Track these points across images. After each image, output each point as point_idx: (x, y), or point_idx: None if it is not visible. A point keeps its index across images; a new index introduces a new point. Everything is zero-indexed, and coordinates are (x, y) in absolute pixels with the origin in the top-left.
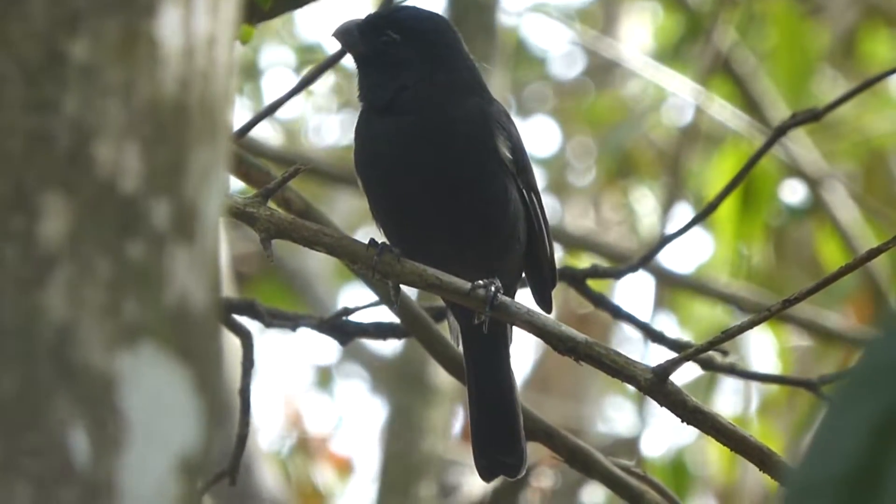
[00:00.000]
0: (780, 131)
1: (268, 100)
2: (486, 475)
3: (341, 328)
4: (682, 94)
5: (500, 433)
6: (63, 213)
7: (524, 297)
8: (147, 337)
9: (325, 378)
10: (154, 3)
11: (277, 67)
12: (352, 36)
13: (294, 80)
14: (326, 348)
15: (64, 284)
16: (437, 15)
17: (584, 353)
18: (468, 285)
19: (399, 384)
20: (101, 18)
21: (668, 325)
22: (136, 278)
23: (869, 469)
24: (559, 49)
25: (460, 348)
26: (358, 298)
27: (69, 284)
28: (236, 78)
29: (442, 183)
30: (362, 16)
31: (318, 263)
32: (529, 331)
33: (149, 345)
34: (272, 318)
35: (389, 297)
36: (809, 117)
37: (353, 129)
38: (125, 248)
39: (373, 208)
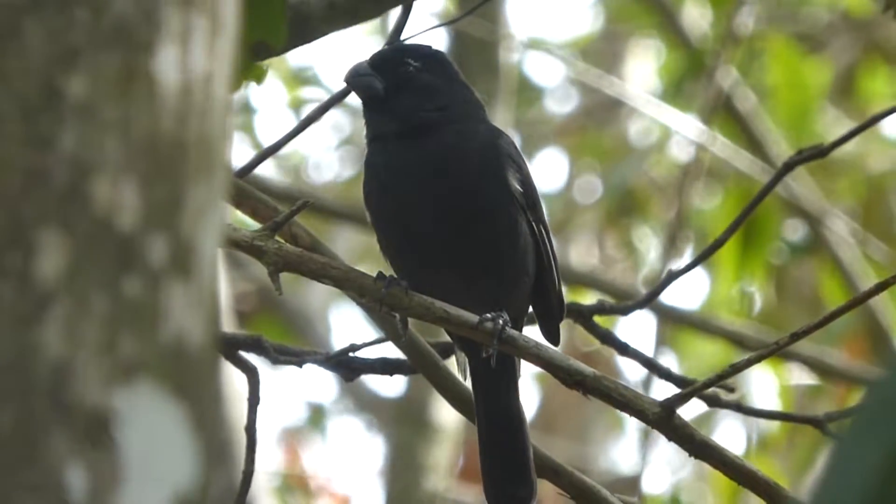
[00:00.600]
0: (788, 167)
1: (260, 134)
2: None
3: (347, 364)
4: (684, 133)
5: (509, 465)
6: (60, 249)
7: (531, 331)
8: (144, 374)
9: (323, 416)
10: (151, 40)
11: (269, 100)
12: (368, 76)
13: (286, 113)
14: (325, 386)
15: (60, 321)
16: (438, 48)
17: (592, 386)
18: (476, 318)
19: (400, 422)
20: (98, 55)
21: (669, 363)
22: (133, 315)
23: (885, 500)
24: (561, 86)
25: (468, 382)
26: (351, 328)
27: (66, 321)
28: (233, 114)
29: (454, 214)
30: (365, 57)
31: (317, 301)
32: (537, 364)
33: (145, 381)
34: (278, 355)
35: (396, 332)
36: (816, 154)
37: (364, 161)
38: (122, 285)
39: (381, 240)
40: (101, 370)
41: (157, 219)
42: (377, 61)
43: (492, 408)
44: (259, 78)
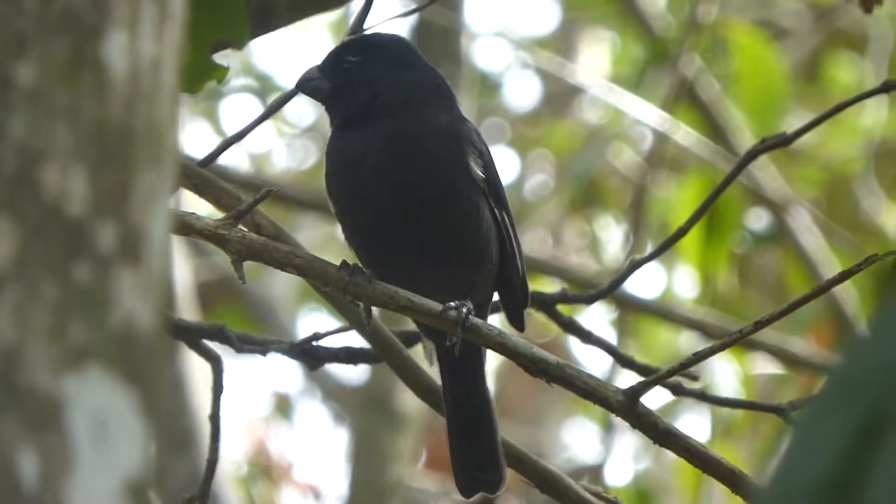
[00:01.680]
0: (751, 155)
1: (222, 120)
2: (466, 492)
3: (311, 353)
4: (646, 121)
5: (478, 450)
6: (9, 236)
7: (495, 319)
8: (93, 359)
9: (287, 404)
10: (100, 27)
11: (233, 86)
12: (315, 80)
13: (249, 99)
14: (290, 374)
15: (10, 307)
16: (394, 35)
17: (556, 374)
18: (440, 307)
19: (364, 410)
20: (47, 41)
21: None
22: (82, 301)
23: (850, 472)
24: (519, 76)
25: (434, 366)
26: (319, 323)
27: (16, 307)
28: (182, 101)
29: (413, 200)
30: (320, 59)
31: (280, 290)
32: (501, 352)
33: (95, 367)
34: (242, 344)
35: (360, 321)
36: (779, 142)
37: (325, 151)
38: (71, 271)
39: (344, 228)
40: (52, 356)
41: (106, 205)
42: (327, 63)
43: (459, 392)
44: (220, 77)
